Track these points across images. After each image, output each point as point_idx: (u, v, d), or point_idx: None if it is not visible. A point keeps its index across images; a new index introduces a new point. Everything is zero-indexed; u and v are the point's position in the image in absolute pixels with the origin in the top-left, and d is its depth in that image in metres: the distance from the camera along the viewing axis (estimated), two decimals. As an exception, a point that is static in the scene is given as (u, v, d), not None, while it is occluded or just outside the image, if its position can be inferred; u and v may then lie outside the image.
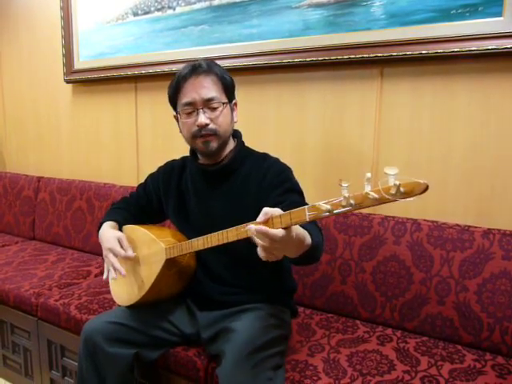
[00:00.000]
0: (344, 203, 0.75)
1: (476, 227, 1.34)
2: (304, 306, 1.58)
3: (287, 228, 0.83)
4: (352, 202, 0.74)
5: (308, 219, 0.81)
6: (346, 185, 0.75)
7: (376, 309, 1.45)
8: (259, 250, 0.86)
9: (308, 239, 0.92)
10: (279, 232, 0.82)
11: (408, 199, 0.69)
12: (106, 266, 1.31)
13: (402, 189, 0.68)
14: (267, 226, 0.84)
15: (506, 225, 1.37)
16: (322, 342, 1.32)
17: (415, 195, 0.68)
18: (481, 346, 1.30)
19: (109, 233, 1.31)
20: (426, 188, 0.67)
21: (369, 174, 0.72)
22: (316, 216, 0.80)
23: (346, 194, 0.74)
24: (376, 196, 0.71)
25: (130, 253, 1.26)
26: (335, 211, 0.77)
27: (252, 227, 0.84)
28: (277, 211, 0.86)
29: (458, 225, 1.37)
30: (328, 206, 0.77)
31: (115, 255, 1.25)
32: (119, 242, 1.27)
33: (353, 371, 1.16)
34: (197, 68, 1.20)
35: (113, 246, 1.25)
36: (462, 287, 1.32)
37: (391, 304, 1.42)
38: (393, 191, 0.69)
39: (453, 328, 1.33)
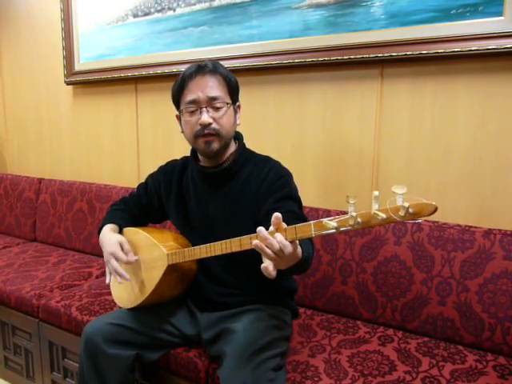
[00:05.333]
0: (351, 222, 0.74)
1: (477, 227, 1.34)
2: (305, 307, 1.58)
3: (291, 242, 0.84)
4: (359, 220, 0.73)
5: (313, 235, 0.81)
6: (353, 202, 0.73)
7: (377, 309, 1.45)
8: (268, 265, 0.85)
9: (299, 253, 0.92)
10: (289, 245, 0.83)
11: (417, 220, 0.68)
12: (107, 270, 1.30)
13: (410, 210, 0.67)
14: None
15: (508, 225, 1.36)
16: (323, 343, 1.32)
17: (424, 216, 0.67)
18: (482, 347, 1.29)
19: (110, 237, 1.29)
20: (435, 210, 0.66)
21: (376, 193, 0.70)
22: (322, 232, 0.79)
23: (354, 213, 0.73)
24: (384, 216, 0.70)
25: (132, 257, 1.25)
26: (341, 229, 0.76)
27: (278, 235, 0.83)
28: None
29: (458, 225, 1.37)
30: (334, 224, 0.76)
31: (117, 260, 1.24)
32: (121, 246, 1.26)
33: (354, 372, 1.16)
34: (203, 67, 1.20)
35: (114, 251, 1.24)
36: (463, 287, 1.32)
37: (392, 304, 1.42)
38: (401, 213, 0.68)
39: (454, 328, 1.33)
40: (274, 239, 0.83)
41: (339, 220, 0.76)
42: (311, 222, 0.81)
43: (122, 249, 1.26)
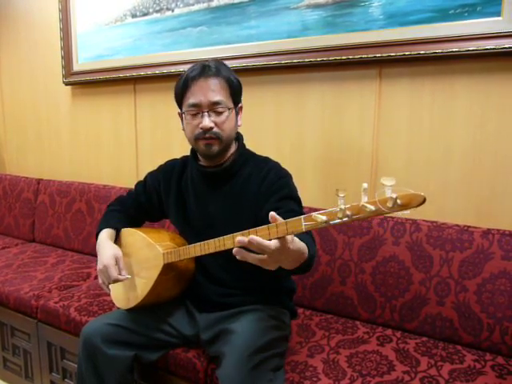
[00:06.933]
0: (340, 215, 0.75)
1: (475, 227, 1.34)
2: (304, 307, 1.58)
3: (283, 237, 0.84)
4: (348, 213, 0.74)
5: (304, 229, 0.81)
6: (342, 195, 0.74)
7: (376, 309, 1.45)
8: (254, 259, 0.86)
9: (306, 253, 0.92)
10: (272, 244, 0.82)
11: (405, 212, 0.68)
12: (100, 280, 1.28)
13: (399, 201, 0.67)
14: (263, 236, 0.84)
15: (506, 225, 1.36)
16: (322, 343, 1.32)
17: (413, 207, 0.68)
18: (481, 347, 1.30)
19: (107, 247, 1.28)
20: (424, 200, 0.67)
21: (365, 185, 0.71)
22: (312, 226, 0.80)
23: (343, 206, 0.74)
24: (372, 208, 0.70)
25: (124, 276, 1.25)
26: (331, 222, 0.77)
27: (243, 239, 0.83)
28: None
29: (457, 225, 1.37)
30: (324, 217, 0.77)
31: (109, 275, 1.23)
32: (116, 261, 1.25)
33: (352, 372, 1.16)
34: (206, 70, 1.19)
35: (108, 265, 1.23)
36: (461, 287, 1.32)
37: (391, 304, 1.42)
38: (390, 204, 0.68)
39: (452, 328, 1.33)
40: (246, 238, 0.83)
41: (329, 213, 0.77)
42: (301, 216, 0.82)
43: (118, 265, 1.25)
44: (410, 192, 0.67)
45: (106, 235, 1.33)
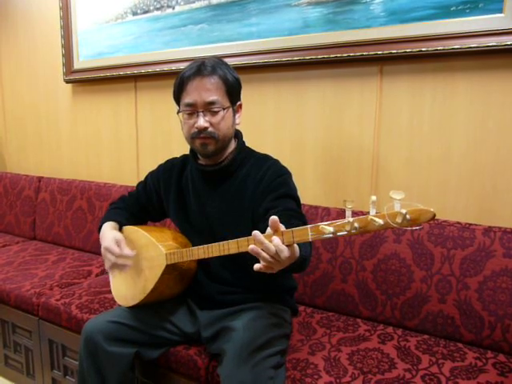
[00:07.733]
0: (348, 227, 0.74)
1: (477, 225, 1.34)
2: (305, 305, 1.58)
3: (288, 246, 0.83)
4: (356, 225, 0.73)
5: (310, 239, 0.81)
6: (350, 206, 0.73)
7: (377, 307, 1.45)
8: (261, 267, 0.86)
9: (297, 252, 0.91)
10: (286, 249, 0.82)
11: (414, 228, 0.67)
12: (105, 265, 1.29)
13: (408, 216, 0.66)
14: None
15: (508, 222, 1.36)
16: (323, 341, 1.32)
17: (422, 223, 0.67)
18: (482, 344, 1.29)
19: (108, 233, 1.30)
20: (433, 216, 0.66)
21: (374, 197, 0.70)
22: (318, 237, 0.79)
23: (351, 219, 0.73)
24: (381, 222, 0.69)
25: (127, 251, 1.23)
26: (338, 233, 0.76)
27: (275, 239, 0.83)
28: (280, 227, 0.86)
29: (458, 222, 1.37)
30: (331, 229, 0.76)
31: (112, 254, 1.23)
32: (116, 243, 1.25)
33: (354, 370, 1.16)
34: (202, 69, 1.18)
35: (109, 245, 1.23)
36: (462, 285, 1.32)
37: (392, 302, 1.42)
38: (399, 219, 0.67)
39: (454, 326, 1.33)
40: (270, 243, 0.83)
41: (336, 225, 0.76)
42: (308, 226, 0.81)
43: (118, 246, 1.25)
44: (419, 207, 0.66)
45: (107, 226, 1.34)
